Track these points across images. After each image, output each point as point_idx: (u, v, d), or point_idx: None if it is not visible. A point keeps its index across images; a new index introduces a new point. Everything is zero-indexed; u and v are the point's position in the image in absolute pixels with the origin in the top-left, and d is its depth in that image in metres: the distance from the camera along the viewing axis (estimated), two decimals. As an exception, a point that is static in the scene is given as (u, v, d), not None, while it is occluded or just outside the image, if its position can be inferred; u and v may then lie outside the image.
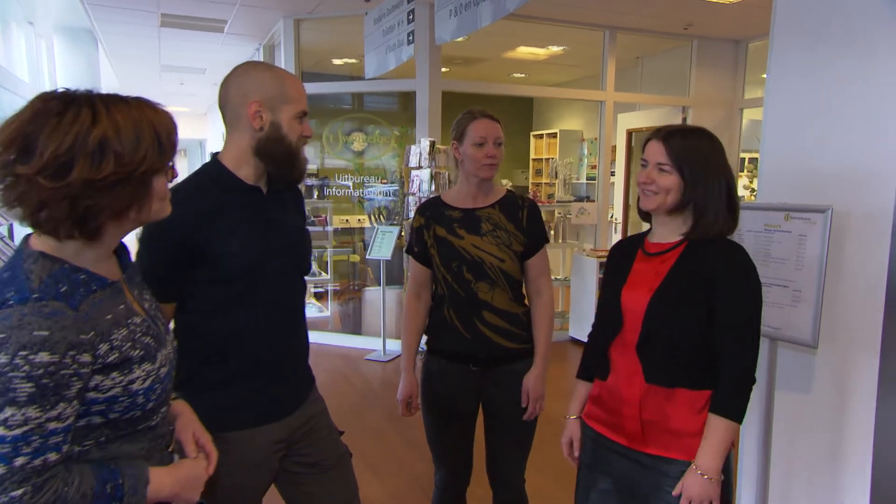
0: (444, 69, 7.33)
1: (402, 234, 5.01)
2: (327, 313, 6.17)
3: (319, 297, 6.47)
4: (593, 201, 5.67)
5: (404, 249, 2.16)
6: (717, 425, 1.34)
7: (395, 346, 5.06)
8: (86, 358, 0.87)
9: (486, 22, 2.44)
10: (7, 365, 0.81)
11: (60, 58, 6.09)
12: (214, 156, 1.47)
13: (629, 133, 6.41)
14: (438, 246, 1.89)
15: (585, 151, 7.95)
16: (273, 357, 1.46)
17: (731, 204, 1.41)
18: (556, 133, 8.32)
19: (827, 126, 1.97)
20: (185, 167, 19.99)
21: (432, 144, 4.58)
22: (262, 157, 1.42)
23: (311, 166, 6.21)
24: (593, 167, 5.80)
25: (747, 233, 2.10)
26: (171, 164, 0.98)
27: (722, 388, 1.37)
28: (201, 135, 13.24)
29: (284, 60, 5.32)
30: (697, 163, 1.38)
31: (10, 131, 0.86)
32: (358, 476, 1.65)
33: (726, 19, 5.16)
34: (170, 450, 1.07)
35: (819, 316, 1.89)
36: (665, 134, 1.41)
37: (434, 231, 1.91)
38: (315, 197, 5.80)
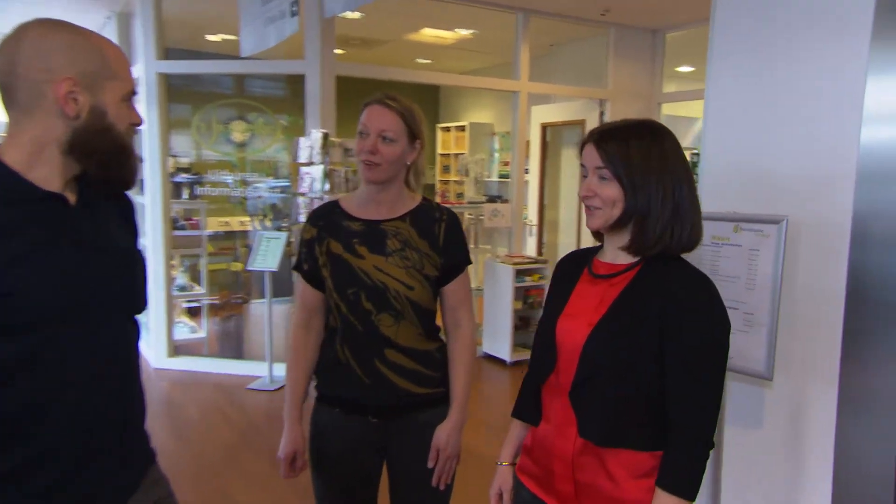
0: (339, 51, 7.01)
1: (292, 240, 4.65)
2: (202, 334, 5.64)
3: (193, 313, 5.92)
4: (507, 201, 5.54)
5: (292, 266, 1.91)
6: (665, 502, 1.20)
7: (283, 371, 4.66)
8: None
9: (386, -12, 2.16)
10: None
11: None
12: (-11, 151, 1.09)
13: (544, 127, 6.36)
14: (332, 266, 1.66)
15: (497, 146, 7.86)
16: (87, 436, 1.11)
17: (681, 214, 1.26)
18: (464, 126, 8.18)
19: (776, 124, 1.89)
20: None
21: (325, 137, 4.26)
22: (80, 155, 1.11)
23: (183, 160, 5.68)
24: (506, 164, 5.68)
25: (693, 246, 1.96)
26: None
27: (672, 456, 1.22)
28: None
29: (143, 32, 4.77)
30: (636, 166, 1.24)
31: None
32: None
33: (644, 7, 5.19)
34: None
35: (774, 343, 1.78)
36: (598, 135, 1.28)
37: (328, 246, 1.68)
38: (186, 196, 5.28)
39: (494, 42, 6.44)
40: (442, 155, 8.66)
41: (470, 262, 1.77)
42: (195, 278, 5.74)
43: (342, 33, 6.27)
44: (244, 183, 5.31)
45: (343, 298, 1.64)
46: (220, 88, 6.01)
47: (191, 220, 5.53)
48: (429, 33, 6.32)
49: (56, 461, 1.08)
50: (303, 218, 4.32)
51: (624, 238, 1.29)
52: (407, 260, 1.65)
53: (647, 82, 5.85)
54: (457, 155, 8.12)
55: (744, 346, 1.85)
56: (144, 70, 4.77)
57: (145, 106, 4.82)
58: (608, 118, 5.72)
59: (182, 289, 5.52)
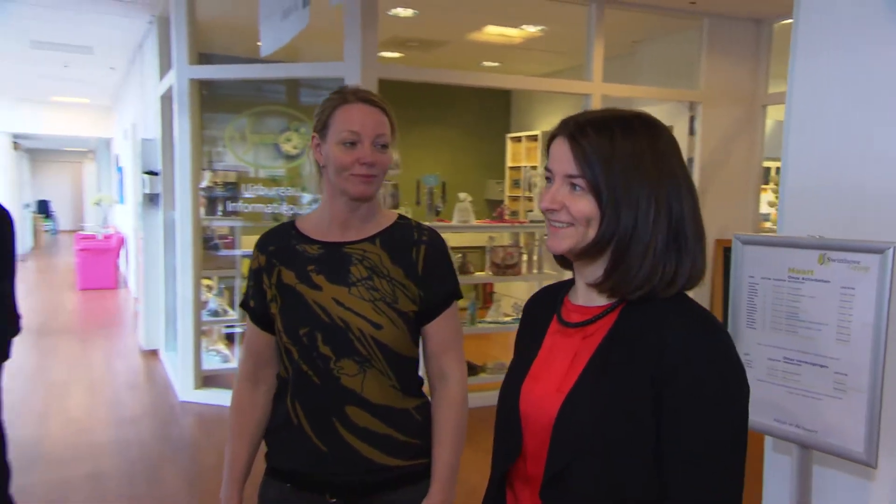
0: (395, 54, 6.96)
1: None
2: (234, 363, 5.62)
3: (230, 339, 5.93)
4: (577, 222, 5.22)
5: (239, 303, 1.79)
6: None
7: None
8: None
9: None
10: None
11: None
12: None
13: (625, 136, 6.00)
14: (283, 300, 1.51)
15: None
16: None
17: (681, 242, 1.04)
18: (536, 135, 7.92)
19: (875, 128, 1.66)
20: (93, 171, 19.35)
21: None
22: None
23: (231, 173, 5.70)
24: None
25: (763, 281, 1.64)
26: None
27: None
28: (106, 132, 12.69)
29: (176, 37, 4.84)
30: (621, 172, 1.02)
31: None
32: None
33: (744, -8, 4.81)
34: None
35: (878, 416, 1.47)
36: (574, 126, 1.05)
37: (279, 276, 1.53)
38: (220, 212, 5.29)
39: (568, 40, 6.18)
40: (512, 168, 8.43)
41: (459, 297, 1.58)
42: (229, 302, 5.74)
43: (398, 35, 6.20)
44: (281, 199, 5.25)
45: (295, 341, 1.47)
46: (264, 95, 6.05)
47: (225, 238, 5.55)
48: (493, 31, 6.14)
49: None
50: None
51: (595, 271, 1.07)
52: (375, 291, 1.48)
53: (749, 81, 5.40)
54: (532, 168, 7.86)
55: (835, 420, 1.51)
56: (176, 76, 4.84)
57: (177, 114, 4.89)
58: (700, 124, 5.32)
59: (214, 314, 5.52)
